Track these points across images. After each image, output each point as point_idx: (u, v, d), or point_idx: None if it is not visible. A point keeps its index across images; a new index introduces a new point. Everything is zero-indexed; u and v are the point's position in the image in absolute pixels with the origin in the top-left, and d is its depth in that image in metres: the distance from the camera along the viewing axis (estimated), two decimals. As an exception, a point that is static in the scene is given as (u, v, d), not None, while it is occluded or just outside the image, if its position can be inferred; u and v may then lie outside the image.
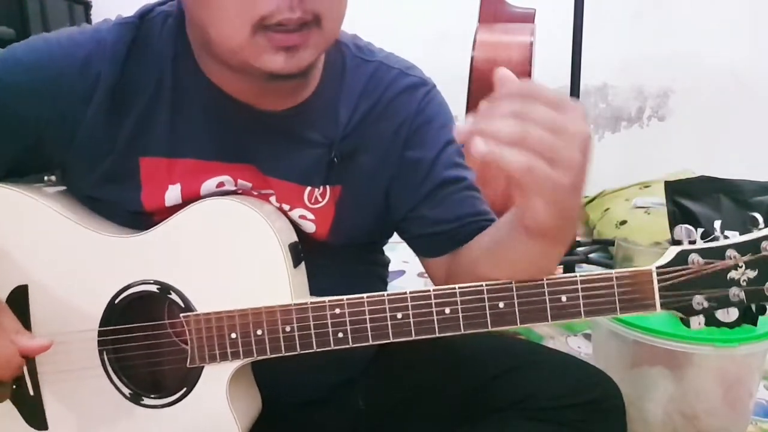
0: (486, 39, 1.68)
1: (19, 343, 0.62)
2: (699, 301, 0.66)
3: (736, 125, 2.52)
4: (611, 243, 2.12)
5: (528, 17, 1.75)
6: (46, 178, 0.86)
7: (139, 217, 0.75)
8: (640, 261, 1.18)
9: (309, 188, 0.78)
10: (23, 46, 0.73)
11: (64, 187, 0.78)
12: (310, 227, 0.79)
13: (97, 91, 0.71)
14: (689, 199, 1.35)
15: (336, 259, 0.81)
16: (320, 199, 0.79)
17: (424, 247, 0.84)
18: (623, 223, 2.22)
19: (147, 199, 0.74)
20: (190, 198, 0.74)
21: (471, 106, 1.66)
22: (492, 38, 1.68)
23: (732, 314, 0.67)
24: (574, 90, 1.89)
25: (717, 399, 1.19)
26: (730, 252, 0.65)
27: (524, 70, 1.62)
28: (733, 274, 0.65)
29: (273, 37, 0.63)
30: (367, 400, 0.88)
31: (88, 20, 2.27)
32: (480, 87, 1.62)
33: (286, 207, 0.78)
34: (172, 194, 0.74)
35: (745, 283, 0.65)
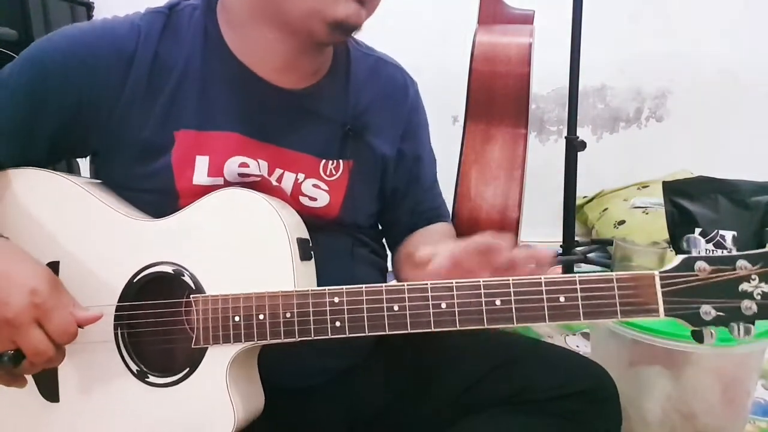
0: (485, 40, 1.68)
1: (78, 314, 0.68)
2: (707, 310, 0.63)
3: (734, 125, 2.53)
4: (610, 243, 2.13)
5: (527, 18, 1.75)
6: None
7: (166, 200, 0.77)
8: (639, 261, 1.19)
9: (324, 161, 0.85)
10: (59, 33, 0.78)
11: (90, 179, 0.82)
12: (324, 198, 0.84)
13: (132, 71, 0.76)
14: (687, 199, 1.35)
15: (342, 240, 0.87)
16: (334, 172, 0.85)
17: (403, 230, 0.96)
18: (621, 222, 2.23)
19: (178, 171, 0.77)
20: (214, 173, 0.78)
21: (470, 106, 1.66)
22: (491, 39, 1.68)
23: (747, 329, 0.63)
24: (573, 91, 1.90)
25: (715, 398, 1.20)
26: (741, 263, 0.62)
27: (523, 71, 1.62)
28: (745, 286, 0.62)
29: None
30: (367, 388, 0.89)
31: (89, 21, 2.27)
32: (479, 88, 1.62)
33: (300, 177, 0.83)
34: (200, 166, 0.78)
35: (759, 297, 0.62)
